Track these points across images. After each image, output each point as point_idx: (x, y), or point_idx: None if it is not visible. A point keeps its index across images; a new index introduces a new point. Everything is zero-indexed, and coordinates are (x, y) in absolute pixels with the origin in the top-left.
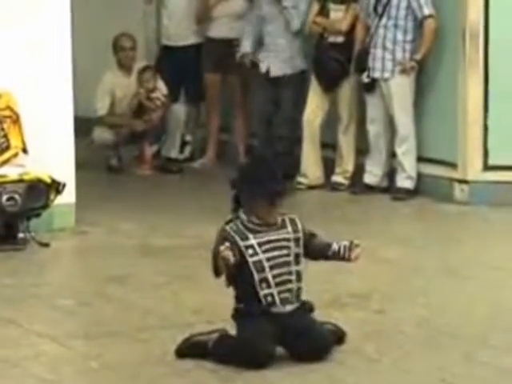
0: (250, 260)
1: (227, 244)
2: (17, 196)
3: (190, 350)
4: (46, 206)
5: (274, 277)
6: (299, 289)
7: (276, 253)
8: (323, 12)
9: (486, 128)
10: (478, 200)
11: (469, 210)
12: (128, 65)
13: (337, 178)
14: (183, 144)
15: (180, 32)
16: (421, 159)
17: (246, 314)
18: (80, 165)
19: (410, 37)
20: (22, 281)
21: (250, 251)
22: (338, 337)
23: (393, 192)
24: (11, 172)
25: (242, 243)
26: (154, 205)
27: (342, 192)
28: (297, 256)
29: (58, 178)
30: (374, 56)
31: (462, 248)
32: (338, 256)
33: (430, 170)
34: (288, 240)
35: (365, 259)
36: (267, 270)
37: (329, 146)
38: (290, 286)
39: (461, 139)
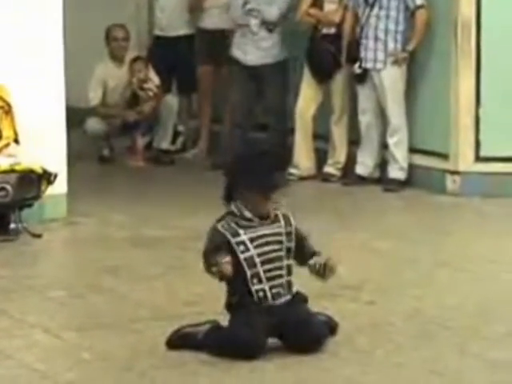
0: (242, 256)
1: (227, 259)
2: (8, 186)
3: (180, 341)
4: (37, 197)
5: (265, 272)
6: (289, 282)
7: (267, 248)
8: (317, 4)
9: (477, 119)
10: (469, 191)
11: (461, 202)
12: (120, 55)
13: (329, 169)
14: (175, 135)
15: (172, 23)
16: (413, 150)
17: (238, 306)
18: (72, 155)
19: (401, 27)
20: (14, 272)
21: (242, 247)
22: (331, 327)
23: (385, 183)
24: (3, 162)
25: (233, 240)
26: (147, 196)
27: (334, 183)
28: (288, 250)
29: (50, 168)
30: (365, 46)
31: (453, 239)
32: (314, 270)
33: (421, 161)
34: (280, 234)
35: (356, 250)
36: (258, 265)
37: (321, 137)
38: (280, 280)
39: (453, 130)
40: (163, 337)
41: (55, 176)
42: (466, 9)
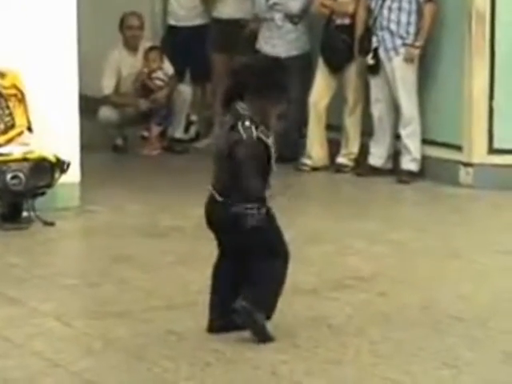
0: (272, 161)
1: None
2: (21, 175)
3: None
4: (50, 185)
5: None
6: None
7: (275, 154)
8: None
9: (491, 111)
10: (482, 183)
11: (474, 193)
12: (134, 44)
13: (341, 160)
14: (188, 124)
15: (187, 13)
16: (426, 142)
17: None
18: (85, 144)
19: (413, 19)
20: (26, 260)
21: (271, 151)
22: None
23: (397, 174)
24: (16, 151)
25: (269, 144)
26: (159, 185)
27: (347, 174)
28: None
29: (63, 156)
30: (377, 38)
31: (466, 231)
32: None
33: (435, 152)
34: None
35: (369, 241)
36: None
37: (334, 127)
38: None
39: (466, 122)
40: (175, 326)
41: (68, 164)
42: (481, 1)
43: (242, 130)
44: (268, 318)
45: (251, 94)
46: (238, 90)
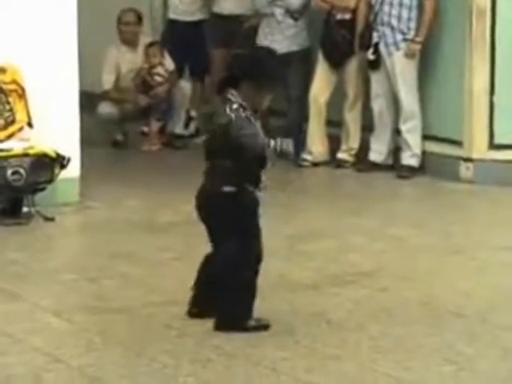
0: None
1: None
2: (22, 170)
3: None
4: (50, 181)
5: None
6: None
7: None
8: None
9: (491, 106)
10: (483, 178)
11: (474, 189)
12: (132, 40)
13: (342, 155)
14: (188, 120)
15: (186, 7)
16: (426, 137)
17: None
18: (85, 140)
19: (414, 14)
20: (26, 255)
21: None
22: None
23: (398, 170)
24: (16, 146)
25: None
26: (159, 181)
27: (347, 169)
28: None
29: (63, 152)
30: (378, 33)
31: (466, 227)
32: None
33: (435, 147)
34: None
35: (369, 237)
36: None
37: (334, 123)
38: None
39: (467, 117)
40: (174, 321)
41: (68, 160)
42: None
43: (230, 112)
44: (249, 314)
45: (243, 82)
46: (231, 78)
